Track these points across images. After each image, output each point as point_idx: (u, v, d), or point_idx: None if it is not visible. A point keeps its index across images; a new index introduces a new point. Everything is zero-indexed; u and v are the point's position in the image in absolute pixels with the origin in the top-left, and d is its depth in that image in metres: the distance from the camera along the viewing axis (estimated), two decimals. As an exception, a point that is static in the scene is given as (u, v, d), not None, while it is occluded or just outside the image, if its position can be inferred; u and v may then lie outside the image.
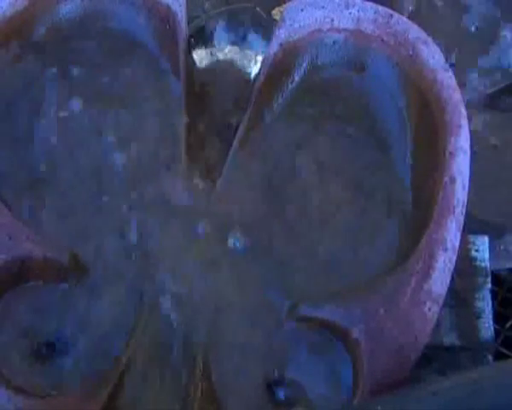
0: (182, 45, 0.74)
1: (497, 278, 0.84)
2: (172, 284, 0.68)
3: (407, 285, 0.66)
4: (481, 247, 0.75)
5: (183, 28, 0.75)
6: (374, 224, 0.71)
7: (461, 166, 0.69)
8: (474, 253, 0.75)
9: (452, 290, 0.70)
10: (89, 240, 0.69)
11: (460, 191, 0.68)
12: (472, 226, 0.77)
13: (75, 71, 0.75)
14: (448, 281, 0.67)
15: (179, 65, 0.73)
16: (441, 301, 0.66)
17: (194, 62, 0.77)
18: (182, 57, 0.74)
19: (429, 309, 0.66)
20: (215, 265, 0.69)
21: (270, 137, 0.73)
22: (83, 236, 0.69)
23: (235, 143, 0.73)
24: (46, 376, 0.64)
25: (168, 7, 0.74)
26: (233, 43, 0.79)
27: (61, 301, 0.66)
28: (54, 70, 0.74)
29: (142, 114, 0.73)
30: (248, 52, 0.78)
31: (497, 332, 0.82)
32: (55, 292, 0.67)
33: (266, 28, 0.79)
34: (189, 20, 0.79)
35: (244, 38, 0.79)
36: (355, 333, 0.65)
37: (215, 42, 0.78)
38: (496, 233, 0.80)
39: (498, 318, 0.83)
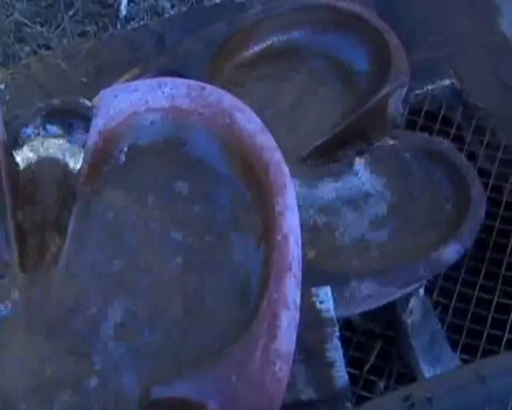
0: (1, 148, 0.73)
1: (349, 325, 0.86)
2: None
3: (255, 349, 0.66)
4: (325, 298, 0.77)
5: (1, 131, 0.74)
6: (212, 295, 0.71)
7: (291, 223, 0.70)
8: (318, 305, 0.77)
9: (302, 345, 0.71)
10: None
11: (294, 247, 0.70)
12: (315, 278, 0.78)
13: None
14: (294, 338, 0.67)
15: (0, 169, 0.73)
16: (290, 359, 0.67)
17: (16, 163, 0.76)
18: (2, 160, 0.73)
19: (280, 369, 0.66)
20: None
21: (101, 223, 0.73)
22: None
23: (68, 238, 0.72)
24: None
25: (-18, 112, 0.74)
26: (57, 138, 0.78)
27: None
28: None
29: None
30: (72, 144, 0.77)
31: (356, 377, 0.83)
32: None
33: (89, 118, 0.79)
34: (9, 121, 0.78)
35: (67, 131, 0.79)
36: (211, 405, 0.65)
37: (37, 139, 0.78)
38: (341, 281, 0.81)
39: (355, 363, 0.84)
